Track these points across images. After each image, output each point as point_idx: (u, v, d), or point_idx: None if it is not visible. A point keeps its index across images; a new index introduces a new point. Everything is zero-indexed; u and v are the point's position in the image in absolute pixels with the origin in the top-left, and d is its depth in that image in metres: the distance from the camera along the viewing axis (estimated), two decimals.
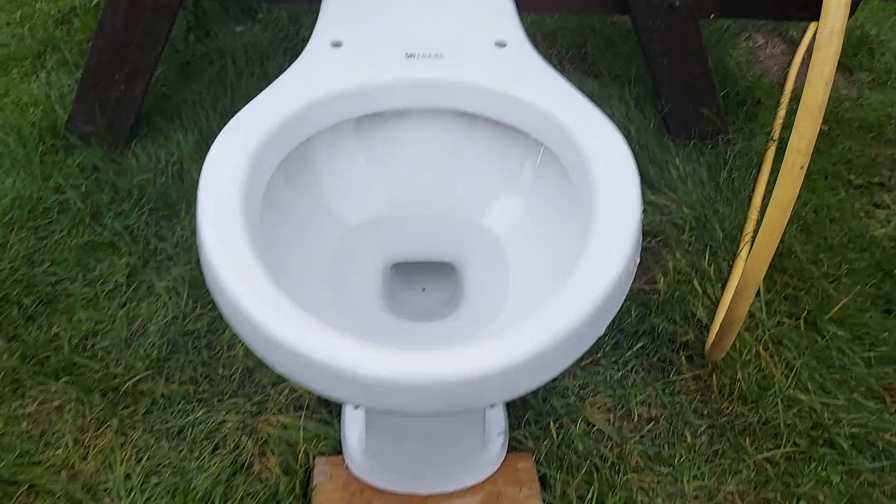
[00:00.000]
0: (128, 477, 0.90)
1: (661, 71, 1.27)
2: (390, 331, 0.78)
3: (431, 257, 0.87)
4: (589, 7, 1.33)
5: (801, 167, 0.72)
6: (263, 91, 0.77)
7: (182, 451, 0.93)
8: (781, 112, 1.44)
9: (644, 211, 1.23)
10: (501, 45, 0.84)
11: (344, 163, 0.85)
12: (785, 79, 1.56)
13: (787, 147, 0.73)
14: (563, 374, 1.02)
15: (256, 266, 0.58)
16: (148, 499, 0.88)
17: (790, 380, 1.00)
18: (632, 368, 1.03)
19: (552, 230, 0.79)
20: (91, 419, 0.96)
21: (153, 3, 1.21)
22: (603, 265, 0.59)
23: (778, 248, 1.19)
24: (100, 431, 0.95)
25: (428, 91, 0.80)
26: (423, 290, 0.90)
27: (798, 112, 0.71)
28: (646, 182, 1.28)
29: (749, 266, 0.83)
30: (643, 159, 1.30)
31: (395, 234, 0.85)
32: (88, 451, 0.93)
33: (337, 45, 0.84)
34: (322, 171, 0.84)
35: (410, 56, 0.81)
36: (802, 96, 0.71)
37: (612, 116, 1.36)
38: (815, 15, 1.10)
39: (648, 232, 1.21)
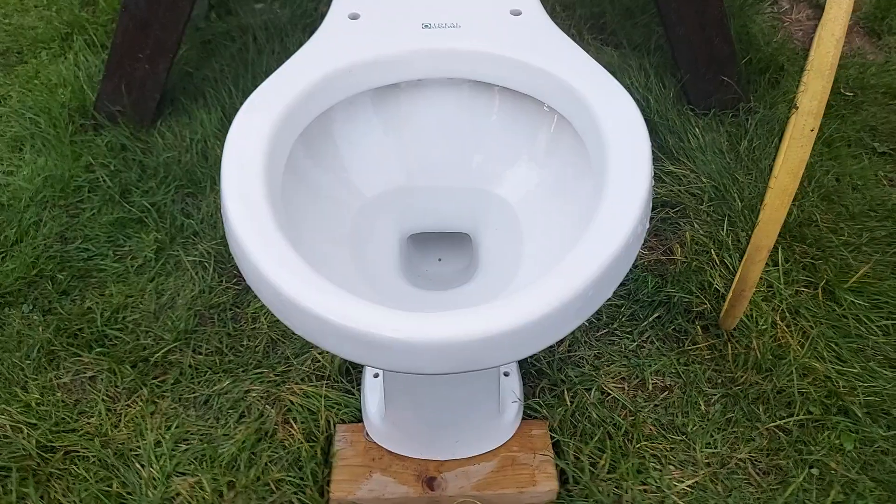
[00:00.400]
0: (158, 444, 0.94)
1: (678, 39, 1.26)
2: (406, 298, 0.80)
3: (447, 228, 0.88)
4: None
5: (812, 130, 0.72)
6: (283, 64, 0.79)
7: (209, 419, 0.97)
8: (805, 79, 1.41)
9: (661, 181, 1.23)
10: (517, 13, 0.85)
11: (362, 134, 0.86)
12: (810, 44, 1.53)
13: (798, 109, 0.73)
14: (578, 344, 1.04)
15: (278, 234, 0.61)
16: (177, 464, 0.92)
17: (805, 348, 1.01)
18: (647, 338, 1.04)
19: (565, 198, 0.80)
20: (122, 389, 1.00)
21: None
22: (612, 230, 0.60)
23: (797, 217, 1.19)
24: (131, 400, 0.99)
25: (444, 61, 0.81)
26: (440, 260, 0.92)
27: (809, 73, 0.71)
28: (664, 152, 1.27)
29: (760, 230, 0.83)
30: (662, 129, 1.29)
31: (411, 205, 0.86)
32: (120, 419, 0.97)
33: (354, 17, 0.85)
34: (341, 142, 0.86)
35: (427, 26, 0.82)
36: (814, 56, 0.71)
37: (631, 87, 1.36)
38: None
39: (667, 202, 1.21)
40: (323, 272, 0.69)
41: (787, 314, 1.05)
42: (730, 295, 0.98)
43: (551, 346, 1.03)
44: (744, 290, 0.91)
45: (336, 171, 0.85)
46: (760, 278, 1.10)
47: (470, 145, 0.86)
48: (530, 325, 0.55)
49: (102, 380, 1.01)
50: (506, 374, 0.94)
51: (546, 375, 0.99)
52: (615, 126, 0.69)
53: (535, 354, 1.02)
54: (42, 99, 1.44)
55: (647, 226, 0.66)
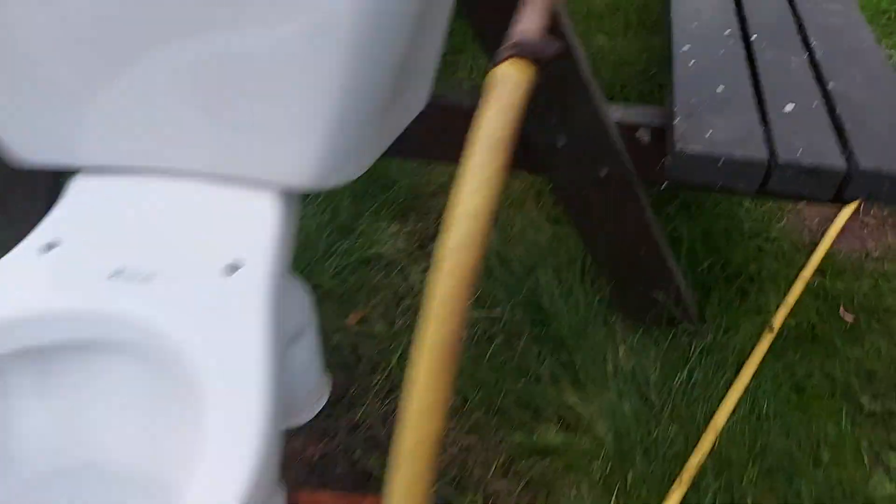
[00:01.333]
0: None
1: (595, 247, 1.01)
2: None
3: None
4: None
5: None
6: None
7: None
8: (795, 291, 1.11)
9: (549, 421, 0.95)
10: (234, 267, 0.68)
11: None
12: (821, 238, 1.22)
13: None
14: None
15: None
16: None
17: None
18: None
19: None
20: None
21: None
22: None
23: (721, 501, 0.90)
24: None
25: (108, 325, 0.66)
26: None
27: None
28: (570, 375, 1.02)
29: None
30: (575, 348, 1.04)
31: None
32: None
33: (48, 248, 0.72)
34: None
35: (117, 273, 0.68)
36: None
37: (546, 293, 1.11)
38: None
39: (547, 452, 0.95)
40: None
41: None
42: None
43: None
44: None
45: None
46: None
47: (135, 422, 0.69)
48: None
49: None
50: None
51: None
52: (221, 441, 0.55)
53: None
54: None
55: None
